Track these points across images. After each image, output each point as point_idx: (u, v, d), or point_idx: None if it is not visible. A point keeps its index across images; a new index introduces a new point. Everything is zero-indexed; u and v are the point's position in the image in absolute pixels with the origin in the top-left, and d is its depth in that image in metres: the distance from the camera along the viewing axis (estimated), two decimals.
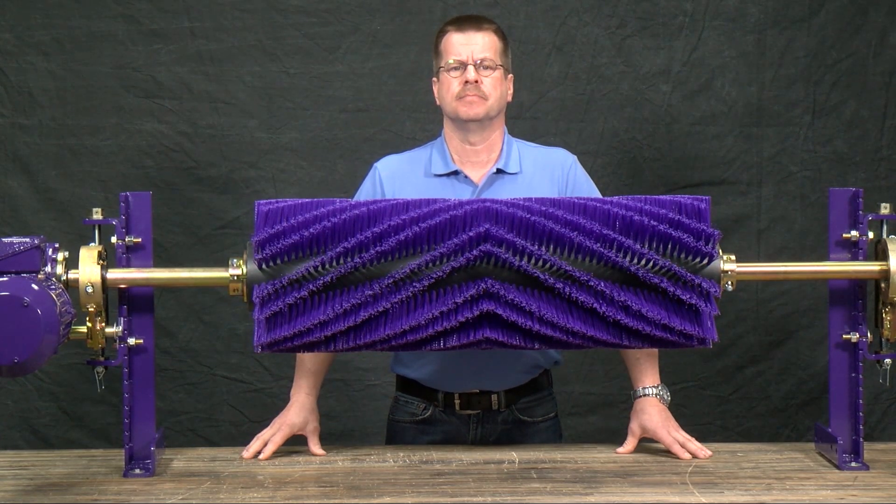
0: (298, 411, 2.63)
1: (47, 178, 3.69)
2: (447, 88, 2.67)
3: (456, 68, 2.66)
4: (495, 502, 2.18)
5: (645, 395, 2.61)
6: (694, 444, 2.52)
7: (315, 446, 2.60)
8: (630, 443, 2.58)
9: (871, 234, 2.39)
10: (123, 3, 3.68)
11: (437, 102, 2.74)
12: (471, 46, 2.65)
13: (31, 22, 3.68)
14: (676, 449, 2.52)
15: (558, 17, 3.75)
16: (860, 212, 2.39)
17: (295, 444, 2.63)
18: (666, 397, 2.62)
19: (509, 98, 2.74)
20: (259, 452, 2.55)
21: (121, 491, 2.25)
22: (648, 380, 2.62)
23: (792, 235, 3.79)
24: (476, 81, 2.64)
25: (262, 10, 3.72)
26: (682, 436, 2.54)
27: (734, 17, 3.76)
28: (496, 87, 2.67)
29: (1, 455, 2.59)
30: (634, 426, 2.59)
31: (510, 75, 2.74)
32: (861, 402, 2.41)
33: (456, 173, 2.71)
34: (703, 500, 2.18)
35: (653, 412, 2.58)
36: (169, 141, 3.71)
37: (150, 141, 3.70)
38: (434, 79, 2.74)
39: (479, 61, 2.65)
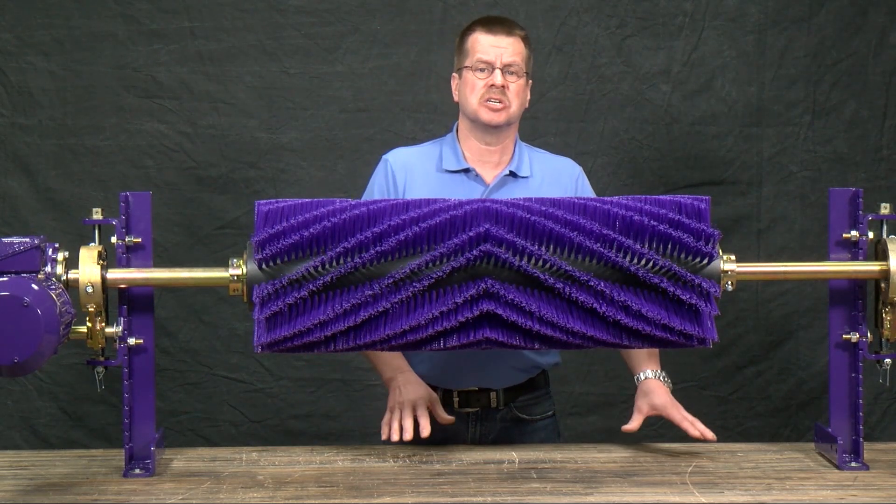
0: (417, 384, 2.63)
1: (47, 178, 3.70)
2: (471, 88, 2.67)
3: (482, 69, 2.65)
4: (495, 502, 2.18)
5: (649, 378, 2.61)
6: (701, 425, 2.53)
7: (442, 412, 2.61)
8: (637, 419, 2.57)
9: (871, 234, 2.39)
10: (123, 3, 3.68)
11: (455, 99, 2.74)
12: (500, 49, 2.65)
13: (31, 22, 3.68)
14: (686, 426, 2.52)
15: (558, 17, 3.75)
16: (860, 212, 2.39)
17: (295, 443, 2.63)
18: (669, 384, 2.62)
19: (527, 104, 2.74)
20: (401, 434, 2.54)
21: (121, 491, 2.25)
22: (652, 365, 2.63)
23: (792, 235, 3.79)
24: (502, 86, 2.64)
25: (262, 10, 3.72)
26: (691, 417, 2.55)
27: (734, 17, 3.77)
28: (519, 95, 2.67)
29: (1, 455, 2.59)
30: (642, 404, 2.59)
31: (530, 81, 2.74)
32: (861, 402, 2.41)
33: (467, 171, 2.71)
34: (703, 500, 2.18)
35: (661, 391, 2.59)
36: (169, 141, 3.71)
37: (150, 141, 3.71)
38: (454, 74, 2.74)
39: (506, 66, 2.64)
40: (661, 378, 2.62)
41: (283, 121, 3.74)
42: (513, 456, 2.50)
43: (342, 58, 3.74)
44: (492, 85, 2.64)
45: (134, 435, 2.37)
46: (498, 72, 2.64)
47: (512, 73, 2.66)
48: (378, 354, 2.69)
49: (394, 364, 2.68)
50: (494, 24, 2.70)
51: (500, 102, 2.65)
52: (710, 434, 2.51)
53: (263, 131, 3.74)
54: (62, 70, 3.69)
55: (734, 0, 3.76)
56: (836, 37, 3.77)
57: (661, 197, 2.29)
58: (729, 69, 3.77)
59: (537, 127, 3.73)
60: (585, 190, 2.76)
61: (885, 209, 2.40)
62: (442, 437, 2.75)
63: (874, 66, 3.78)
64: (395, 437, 2.53)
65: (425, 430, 2.53)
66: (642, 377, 2.63)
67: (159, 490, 2.26)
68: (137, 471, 2.34)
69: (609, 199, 2.29)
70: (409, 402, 2.60)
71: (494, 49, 2.65)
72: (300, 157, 3.74)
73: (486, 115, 2.66)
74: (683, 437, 2.58)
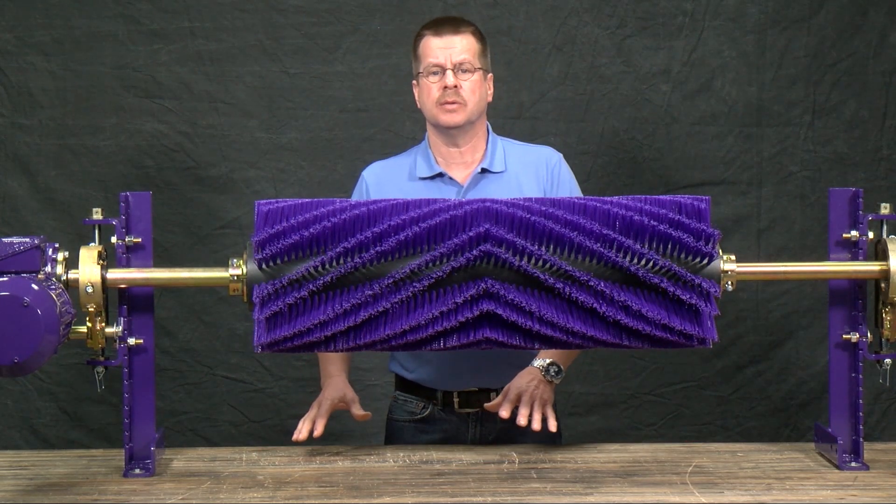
0: (334, 387, 2.65)
1: (47, 178, 3.70)
2: (427, 94, 2.68)
3: (434, 73, 2.67)
4: (495, 502, 2.18)
5: (532, 365, 2.62)
6: (536, 420, 2.51)
7: (358, 410, 2.62)
8: (497, 399, 2.58)
9: (871, 234, 2.39)
10: (123, 3, 3.69)
11: (418, 106, 2.75)
12: (448, 50, 2.66)
13: (31, 22, 3.68)
14: (501, 403, 2.53)
15: (558, 17, 3.75)
16: (860, 212, 2.39)
17: (294, 444, 2.63)
18: (552, 373, 2.61)
19: (490, 98, 2.75)
20: (310, 433, 2.56)
21: (121, 491, 2.25)
22: (546, 355, 2.63)
23: (792, 235, 3.79)
24: (455, 86, 2.64)
25: (262, 10, 3.72)
26: (537, 407, 2.54)
27: (734, 17, 3.77)
28: (475, 91, 2.67)
29: (1, 455, 2.59)
30: (507, 386, 2.60)
31: (490, 75, 2.74)
32: (861, 402, 2.41)
33: (441, 175, 2.72)
34: (703, 500, 2.18)
35: (524, 375, 2.60)
36: (169, 141, 3.71)
37: (150, 141, 3.71)
38: (414, 82, 2.75)
39: (457, 65, 2.65)
40: (542, 367, 2.61)
41: (283, 121, 3.74)
42: (513, 456, 2.49)
43: (342, 58, 3.74)
44: (445, 86, 2.65)
45: (134, 435, 2.37)
46: (449, 72, 2.65)
47: (464, 70, 2.66)
48: (322, 357, 2.71)
49: (329, 370, 2.70)
50: (441, 24, 2.72)
51: (454, 103, 2.66)
52: (523, 422, 2.51)
53: (263, 131, 3.74)
54: (62, 70, 3.69)
55: (734, 0, 3.76)
56: (836, 37, 3.77)
57: (661, 197, 2.29)
58: (729, 69, 3.77)
59: (537, 127, 3.73)
60: (564, 177, 2.75)
61: (885, 209, 2.40)
62: (442, 438, 2.75)
63: (874, 66, 3.78)
64: (301, 437, 2.54)
65: (317, 431, 2.55)
66: (534, 364, 2.63)
67: (159, 490, 2.26)
68: (137, 471, 2.34)
69: (609, 199, 2.29)
70: (327, 399, 2.61)
71: (443, 51, 2.67)
72: (300, 157, 3.74)
73: (444, 118, 2.67)
74: (683, 437, 2.58)
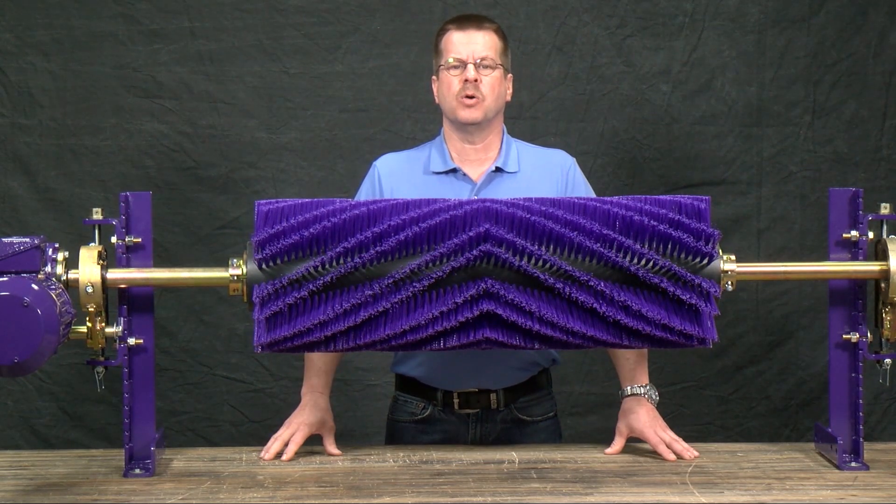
0: (313, 410, 2.61)
1: (47, 178, 3.69)
2: (447, 87, 2.68)
3: (456, 67, 2.66)
4: (495, 502, 2.18)
5: (633, 395, 2.61)
6: (680, 445, 2.51)
7: (331, 446, 2.59)
8: (618, 443, 2.58)
9: (871, 234, 2.39)
10: (123, 3, 3.69)
11: (437, 101, 2.75)
12: (471, 46, 2.66)
13: (31, 22, 3.68)
14: (662, 449, 2.51)
15: (558, 17, 3.75)
16: (860, 212, 2.39)
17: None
18: (654, 397, 2.62)
19: (508, 98, 2.75)
20: (280, 453, 2.51)
21: (121, 491, 2.25)
22: (638, 379, 2.63)
23: (792, 235, 3.79)
24: (475, 80, 2.64)
25: (262, 10, 3.72)
26: (669, 436, 2.54)
27: (734, 17, 3.77)
28: (494, 88, 2.67)
29: (1, 455, 2.59)
30: (622, 426, 2.59)
31: (510, 75, 2.74)
32: (861, 402, 2.41)
33: (455, 171, 2.72)
34: (703, 500, 2.18)
35: (640, 412, 2.58)
36: (169, 141, 3.71)
37: (150, 141, 3.71)
38: (434, 77, 2.75)
39: (479, 60, 2.65)
40: (646, 394, 2.61)
41: (283, 121, 3.74)
42: (513, 456, 2.50)
43: (342, 58, 3.74)
44: (465, 80, 2.65)
45: (134, 435, 2.37)
46: (471, 66, 2.65)
47: (486, 66, 2.66)
48: (309, 366, 2.67)
49: (312, 382, 2.66)
50: (465, 20, 2.72)
51: (473, 98, 2.65)
52: (688, 455, 2.49)
53: (263, 131, 3.74)
54: (62, 70, 3.69)
55: (734, 0, 3.76)
56: (836, 37, 3.77)
57: (661, 197, 2.29)
58: (729, 69, 3.77)
59: (537, 127, 3.73)
60: (578, 181, 2.75)
61: (885, 209, 2.40)
62: (442, 438, 2.75)
63: (874, 66, 3.78)
64: (268, 457, 2.50)
65: (286, 455, 2.50)
66: (627, 392, 2.62)
67: (159, 490, 2.26)
68: (137, 471, 2.35)
69: (609, 199, 2.29)
70: (305, 424, 2.57)
71: (466, 46, 2.66)
72: (300, 157, 3.74)
73: (463, 113, 2.67)
74: (683, 437, 2.58)
